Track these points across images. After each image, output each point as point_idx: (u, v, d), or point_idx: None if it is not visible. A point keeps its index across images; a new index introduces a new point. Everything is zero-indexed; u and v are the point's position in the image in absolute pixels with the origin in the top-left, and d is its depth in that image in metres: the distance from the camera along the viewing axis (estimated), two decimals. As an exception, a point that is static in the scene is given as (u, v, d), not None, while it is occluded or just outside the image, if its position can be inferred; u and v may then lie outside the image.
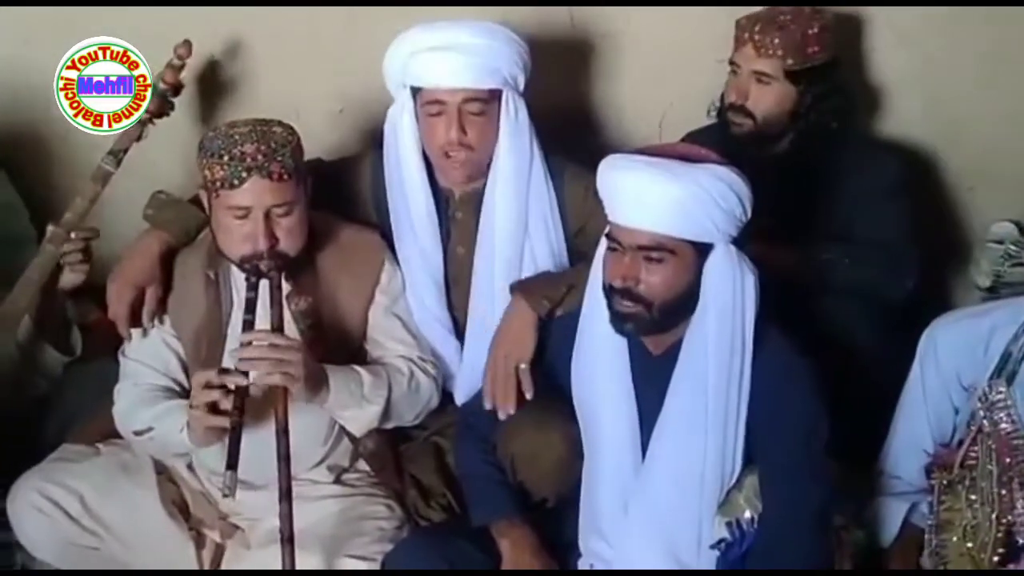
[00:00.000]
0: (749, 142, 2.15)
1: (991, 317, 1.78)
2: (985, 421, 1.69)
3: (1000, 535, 1.61)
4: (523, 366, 1.85)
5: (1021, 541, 1.60)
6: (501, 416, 1.84)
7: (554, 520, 1.84)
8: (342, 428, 1.91)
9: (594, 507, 1.78)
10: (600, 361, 1.76)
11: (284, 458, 1.71)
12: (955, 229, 2.53)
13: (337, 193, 2.02)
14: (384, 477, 1.96)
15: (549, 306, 1.88)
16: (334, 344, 1.90)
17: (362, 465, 1.97)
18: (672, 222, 1.61)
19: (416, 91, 1.94)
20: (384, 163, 2.02)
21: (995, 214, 2.42)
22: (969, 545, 1.65)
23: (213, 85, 2.32)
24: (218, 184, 1.77)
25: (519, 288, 1.92)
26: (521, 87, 1.96)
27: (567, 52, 2.41)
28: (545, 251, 2.00)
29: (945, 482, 1.71)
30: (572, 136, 2.40)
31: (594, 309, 1.74)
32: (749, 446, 1.70)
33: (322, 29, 2.32)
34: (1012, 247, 2.34)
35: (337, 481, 1.94)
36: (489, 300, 1.98)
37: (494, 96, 1.93)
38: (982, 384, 1.71)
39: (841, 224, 2.12)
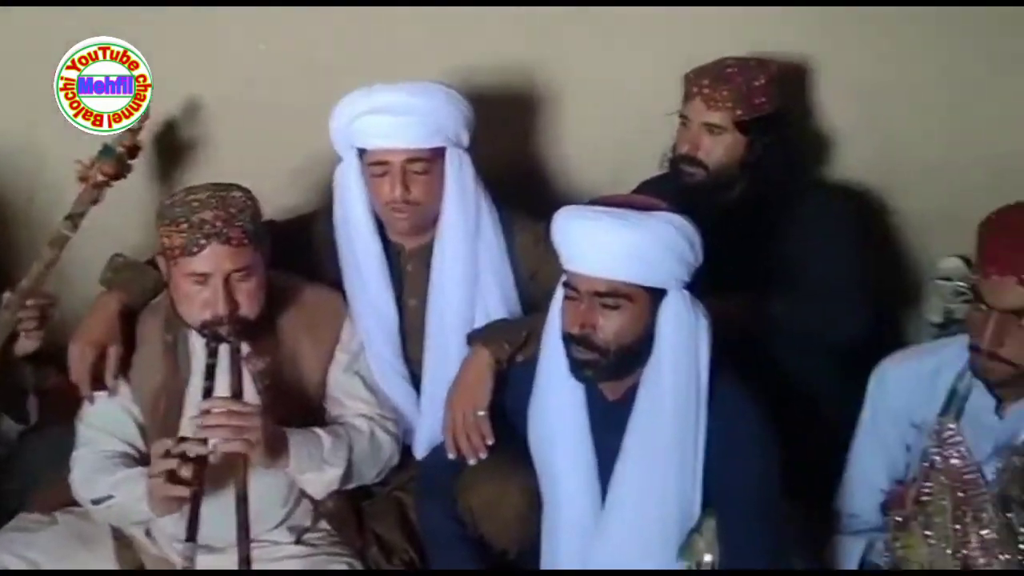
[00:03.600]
0: (701, 191, 2.19)
1: (937, 356, 1.81)
2: (936, 457, 1.70)
3: (957, 569, 1.62)
4: (481, 413, 1.86)
5: (972, 572, 1.60)
6: (471, 462, 1.85)
7: (516, 571, 1.84)
8: (303, 489, 1.90)
9: (555, 556, 1.78)
10: (557, 408, 1.78)
11: (243, 525, 1.70)
12: (908, 268, 2.57)
13: (292, 252, 2.04)
14: (345, 536, 1.95)
15: (510, 350, 1.90)
16: (294, 404, 1.89)
17: (323, 524, 1.96)
18: (628, 268, 1.65)
19: (361, 151, 1.98)
20: (334, 220, 2.05)
21: (943, 252, 2.46)
22: (928, 583, 1.66)
23: (170, 146, 2.34)
24: (177, 251, 1.77)
25: (478, 337, 1.94)
26: (465, 143, 2.00)
27: (521, 106, 2.46)
28: (497, 300, 2.03)
29: (900, 519, 1.72)
30: (526, 189, 2.44)
31: (551, 357, 1.76)
32: (707, 490, 1.71)
33: (282, 89, 2.36)
34: (960, 283, 2.37)
35: (298, 542, 1.93)
36: (443, 351, 2.00)
37: (438, 154, 1.97)
38: (932, 421, 1.74)
39: (793, 269, 2.16)
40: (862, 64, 2.42)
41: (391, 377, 2.03)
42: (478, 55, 2.37)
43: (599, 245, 1.65)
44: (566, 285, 1.72)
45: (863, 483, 1.88)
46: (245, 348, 1.84)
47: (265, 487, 1.83)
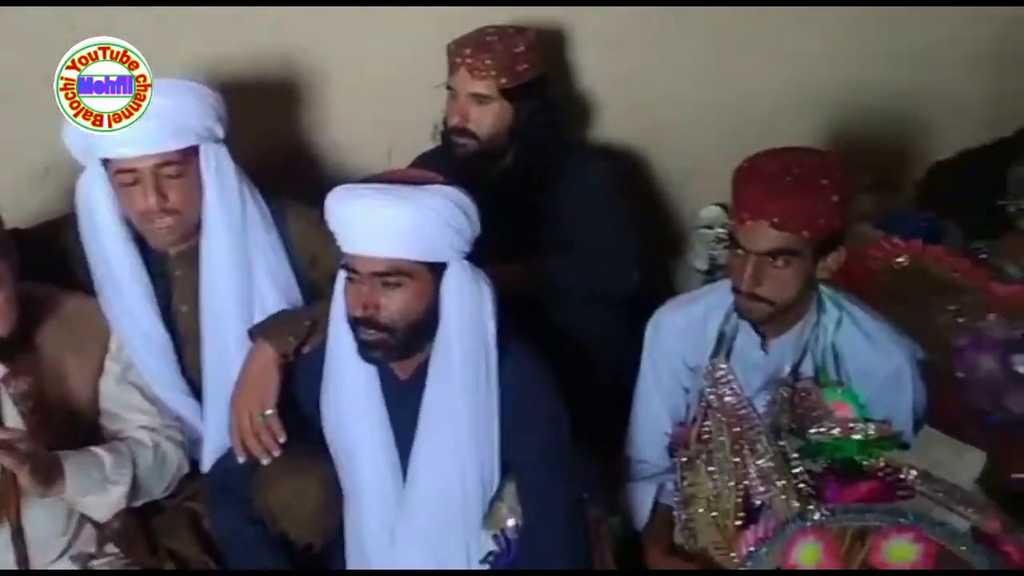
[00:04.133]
0: (474, 162, 2.21)
1: (705, 301, 1.91)
2: (712, 397, 1.80)
3: (739, 500, 1.72)
4: (269, 411, 1.80)
5: (758, 503, 1.71)
6: (265, 462, 1.79)
7: (323, 564, 1.81)
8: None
9: (361, 543, 1.76)
10: (350, 393, 1.75)
11: (22, 561, 1.61)
12: (672, 220, 2.70)
13: (42, 260, 1.88)
14: (136, 556, 1.85)
15: (295, 343, 1.84)
16: (64, 425, 1.77)
17: (110, 548, 1.84)
18: (405, 245, 1.64)
19: (106, 161, 1.85)
20: (81, 231, 1.90)
21: (704, 202, 2.59)
22: (714, 514, 1.74)
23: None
24: None
25: (259, 332, 1.87)
26: (220, 136, 1.90)
27: (284, 92, 2.39)
28: (275, 294, 1.95)
29: (685, 459, 1.81)
30: (301, 176, 2.37)
31: (339, 342, 1.73)
32: (504, 454, 1.74)
33: (26, 89, 2.18)
34: (720, 230, 2.51)
35: (84, 570, 1.81)
36: (223, 355, 1.91)
37: (190, 153, 1.86)
38: (705, 363, 1.83)
39: (565, 230, 2.21)
40: (616, 25, 2.50)
41: (164, 388, 1.93)
42: (232, 44, 2.28)
43: (374, 223, 1.63)
44: (345, 267, 1.69)
45: (649, 429, 1.96)
46: (2, 369, 1.70)
47: (41, 517, 1.71)
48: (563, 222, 2.21)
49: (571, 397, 1.78)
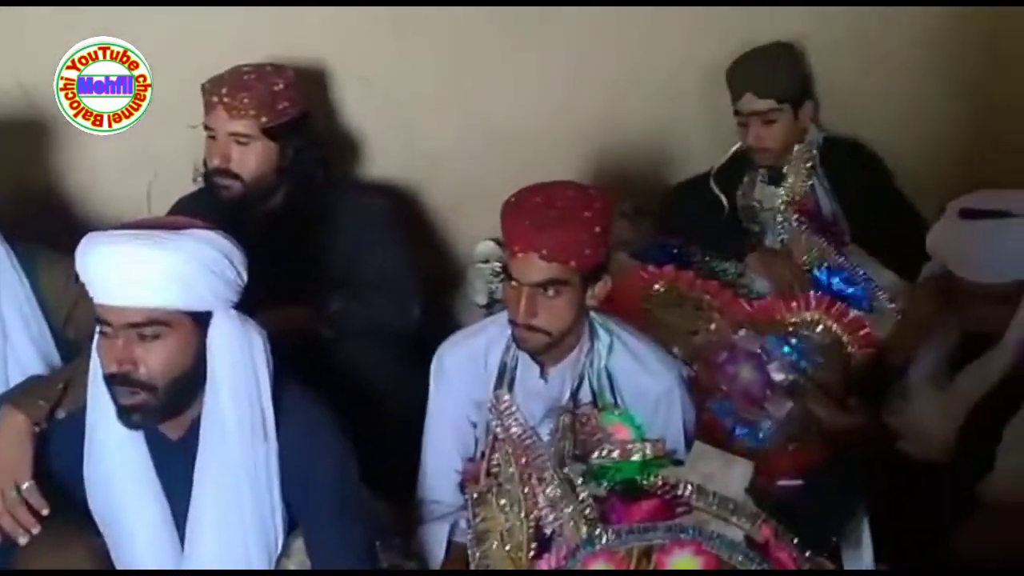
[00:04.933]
0: (239, 204, 2.14)
1: (485, 334, 1.93)
2: (498, 429, 1.82)
3: (531, 531, 1.74)
4: (26, 485, 1.65)
5: (548, 531, 1.73)
6: (22, 542, 1.63)
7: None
8: None
9: (138, 614, 1.64)
10: (116, 459, 1.63)
11: None
12: (449, 255, 2.71)
13: None
14: None
15: (47, 407, 1.69)
16: None
17: None
18: (162, 294, 1.54)
19: None
20: None
21: (478, 236, 2.62)
22: (508, 548, 1.76)
23: None
24: None
25: (8, 400, 1.71)
26: None
27: (30, 133, 2.22)
28: (31, 353, 1.81)
29: (477, 495, 1.82)
30: (47, 222, 2.20)
31: (99, 404, 1.61)
32: (289, 509, 1.67)
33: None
34: (496, 264, 2.54)
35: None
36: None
37: None
38: (490, 396, 1.84)
39: (344, 268, 2.18)
40: (378, 62, 2.49)
41: None
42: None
43: (127, 272, 1.52)
44: (99, 320, 1.57)
45: (440, 467, 1.95)
46: None
47: None
48: (341, 259, 2.17)
49: (359, 440, 1.73)
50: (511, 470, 1.79)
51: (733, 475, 1.66)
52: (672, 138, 2.64)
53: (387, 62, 2.50)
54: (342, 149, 2.51)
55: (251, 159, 2.13)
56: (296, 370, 1.71)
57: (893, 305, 2.26)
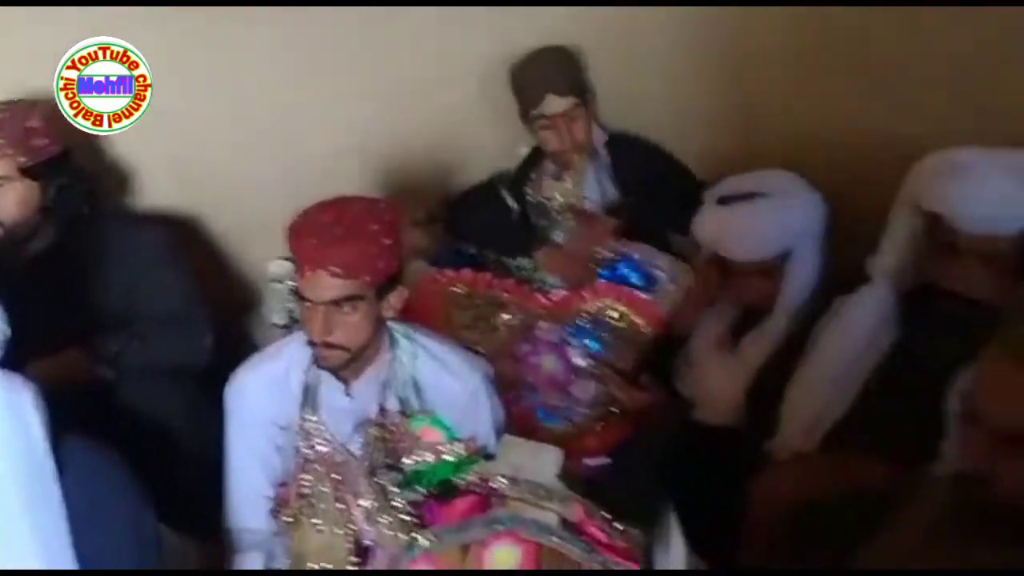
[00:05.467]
0: (1, 248, 2.01)
1: (285, 356, 1.89)
2: (307, 450, 1.79)
3: (349, 546, 1.73)
4: None
5: (367, 541, 1.73)
6: None
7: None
8: None
9: None
10: None
11: None
12: (243, 278, 2.64)
13: None
14: None
15: None
16: None
17: None
18: None
19: None
20: None
21: (270, 257, 2.56)
22: (328, 567, 1.74)
23: None
24: None
25: None
26: None
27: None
28: None
29: (289, 518, 1.78)
30: None
31: None
32: (83, 564, 1.56)
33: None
34: (292, 283, 2.49)
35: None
36: None
37: None
38: (295, 418, 1.81)
39: (123, 306, 2.08)
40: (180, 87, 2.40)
41: None
42: None
43: None
44: None
45: (247, 496, 1.90)
46: None
47: None
48: (119, 296, 2.08)
49: (155, 480, 1.66)
50: (324, 489, 1.77)
51: (544, 462, 1.70)
52: (459, 143, 2.67)
53: (158, 82, 2.40)
54: (114, 179, 2.40)
55: (10, 201, 2.02)
56: (79, 417, 1.61)
57: (673, 285, 2.39)
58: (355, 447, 1.81)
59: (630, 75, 2.51)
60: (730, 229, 2.04)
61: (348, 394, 1.85)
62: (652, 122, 2.52)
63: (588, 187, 2.49)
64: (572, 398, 2.27)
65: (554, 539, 1.54)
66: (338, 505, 1.74)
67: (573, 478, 1.74)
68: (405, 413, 1.82)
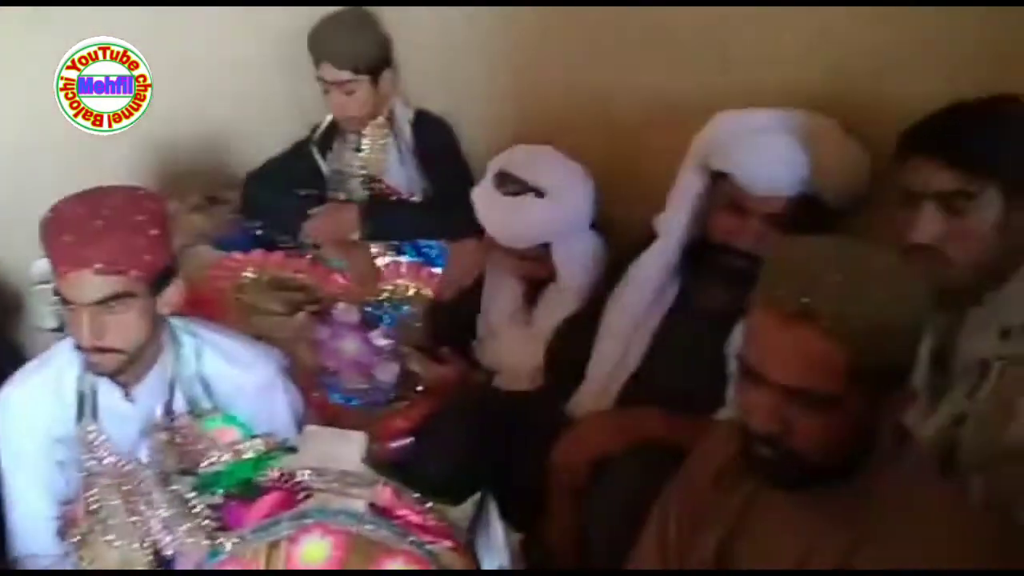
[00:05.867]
0: None
1: (55, 364, 1.75)
2: (91, 463, 1.68)
3: (149, 558, 1.63)
4: None
5: (170, 552, 1.64)
6: None
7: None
8: None
9: None
10: None
11: None
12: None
13: None
14: None
15: None
16: None
17: None
18: None
19: None
20: None
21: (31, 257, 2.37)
22: (129, 582, 1.64)
23: None
24: None
25: None
26: None
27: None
28: None
29: (79, 537, 1.67)
30: None
31: None
32: None
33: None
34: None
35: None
36: None
37: None
38: (74, 430, 1.69)
39: None
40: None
41: None
42: None
43: None
44: None
45: (30, 518, 1.76)
46: None
47: None
48: None
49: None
50: (115, 502, 1.66)
51: (348, 448, 1.66)
52: (248, 121, 2.56)
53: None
54: None
55: None
56: None
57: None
58: (143, 454, 1.70)
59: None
60: (497, 216, 2.15)
61: (129, 399, 1.73)
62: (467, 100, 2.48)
63: (390, 162, 2.44)
64: (375, 380, 2.24)
65: (366, 526, 1.51)
66: (132, 518, 1.63)
67: (380, 462, 1.71)
68: (196, 414, 1.72)
